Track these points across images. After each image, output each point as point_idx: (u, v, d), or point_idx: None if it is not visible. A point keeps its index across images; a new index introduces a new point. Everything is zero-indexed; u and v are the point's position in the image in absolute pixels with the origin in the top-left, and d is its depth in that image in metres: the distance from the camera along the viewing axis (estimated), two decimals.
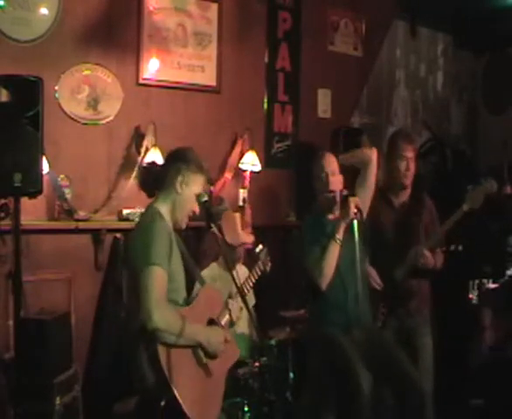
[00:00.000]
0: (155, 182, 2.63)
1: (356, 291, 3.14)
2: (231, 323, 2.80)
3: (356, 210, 3.12)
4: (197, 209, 2.61)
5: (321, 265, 3.16)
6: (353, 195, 3.21)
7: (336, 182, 3.28)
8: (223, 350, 2.55)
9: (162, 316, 2.30)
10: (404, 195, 3.55)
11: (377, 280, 3.42)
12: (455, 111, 6.34)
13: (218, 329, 2.61)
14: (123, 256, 3.89)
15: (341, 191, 3.26)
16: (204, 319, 2.61)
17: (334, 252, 3.16)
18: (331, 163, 3.32)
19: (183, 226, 2.64)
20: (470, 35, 5.94)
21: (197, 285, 2.87)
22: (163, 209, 2.55)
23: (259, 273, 3.35)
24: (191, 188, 2.57)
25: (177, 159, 2.60)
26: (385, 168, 3.71)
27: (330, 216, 3.34)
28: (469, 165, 5.89)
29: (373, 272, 3.44)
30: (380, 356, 3.11)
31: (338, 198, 3.26)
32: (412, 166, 3.49)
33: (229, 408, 3.07)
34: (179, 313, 2.43)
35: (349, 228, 3.15)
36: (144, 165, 3.16)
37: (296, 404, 3.61)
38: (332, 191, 3.25)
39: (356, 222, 3.12)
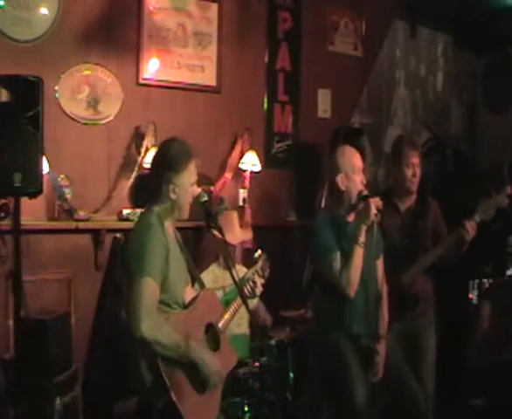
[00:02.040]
0: (146, 194, 2.59)
1: (367, 295, 3.09)
2: (254, 295, 2.90)
3: (376, 212, 3.00)
4: (196, 191, 2.59)
5: (348, 274, 3.00)
6: (372, 195, 3.09)
7: (363, 179, 3.14)
8: (215, 384, 2.48)
9: (149, 327, 2.27)
10: (410, 200, 3.55)
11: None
12: (455, 111, 6.33)
13: (217, 360, 2.52)
14: (122, 257, 3.89)
15: (360, 191, 3.11)
16: (203, 323, 2.59)
17: (359, 258, 3.02)
18: (359, 158, 3.19)
19: (187, 216, 2.62)
20: (470, 35, 5.94)
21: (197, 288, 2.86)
22: (162, 211, 2.53)
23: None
24: (185, 184, 2.53)
25: (164, 166, 2.53)
26: (391, 173, 3.70)
27: (349, 217, 3.18)
28: (469, 165, 5.89)
29: None
30: (385, 371, 3.06)
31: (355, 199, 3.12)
32: (418, 171, 3.49)
33: (229, 408, 3.07)
34: (174, 327, 2.40)
35: (369, 230, 3.04)
36: (133, 179, 3.02)
37: (296, 404, 3.61)
38: (360, 192, 3.09)
39: (375, 224, 3.02)
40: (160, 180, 2.52)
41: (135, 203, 2.72)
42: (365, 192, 3.10)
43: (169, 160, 2.54)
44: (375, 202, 3.04)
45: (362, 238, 3.03)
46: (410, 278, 3.41)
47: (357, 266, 3.02)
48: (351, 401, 2.90)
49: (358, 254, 3.02)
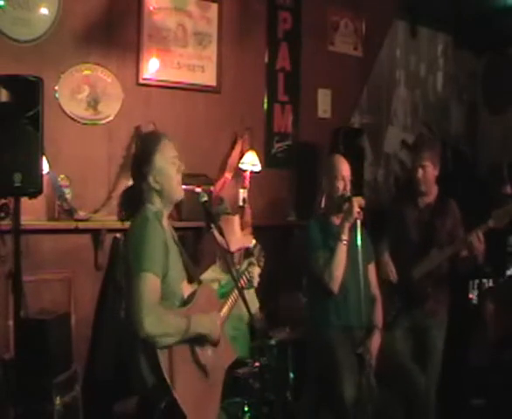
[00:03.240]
0: (135, 202, 2.54)
1: (357, 292, 3.14)
2: (252, 285, 2.93)
3: (359, 210, 3.13)
4: (179, 168, 2.55)
5: (331, 269, 3.19)
6: (356, 195, 3.24)
7: (347, 185, 3.32)
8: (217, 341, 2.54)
9: (153, 323, 2.25)
10: (429, 197, 3.61)
11: (393, 271, 3.46)
12: (455, 111, 6.33)
13: (213, 315, 2.56)
14: (122, 255, 3.89)
15: (342, 194, 3.29)
16: None
17: (341, 253, 3.19)
18: (344, 166, 3.36)
19: (181, 196, 2.59)
20: (470, 35, 5.94)
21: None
22: (156, 206, 2.51)
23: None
24: (162, 166, 2.49)
25: (137, 164, 2.53)
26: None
27: (335, 219, 3.36)
28: (469, 165, 5.89)
29: (390, 264, 3.47)
30: (384, 361, 3.09)
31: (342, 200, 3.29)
32: (429, 172, 3.55)
33: (229, 407, 3.06)
34: (176, 312, 2.41)
35: (352, 228, 3.17)
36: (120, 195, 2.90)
37: (296, 404, 3.61)
38: (343, 194, 3.28)
39: (358, 222, 3.11)
40: (140, 178, 2.51)
41: (125, 215, 2.64)
42: (348, 194, 3.27)
43: (139, 155, 2.55)
44: (357, 201, 3.18)
45: (344, 236, 3.20)
46: (419, 273, 3.45)
47: (340, 262, 3.19)
48: (340, 396, 2.96)
49: (341, 251, 3.19)
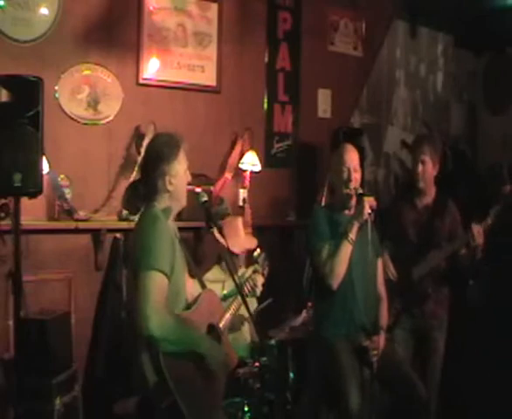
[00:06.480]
0: (144, 196, 2.56)
1: (364, 294, 3.11)
2: (254, 294, 2.90)
3: (370, 211, 3.04)
4: (189, 178, 2.60)
5: (333, 264, 3.09)
6: (368, 194, 3.16)
7: (357, 178, 3.18)
8: (220, 371, 2.51)
9: (158, 324, 2.24)
10: (427, 198, 3.58)
11: (392, 270, 3.45)
12: (455, 111, 6.34)
13: (221, 347, 2.55)
14: (124, 255, 3.89)
15: (355, 189, 3.16)
16: (205, 323, 2.59)
17: (346, 252, 3.09)
18: (354, 158, 3.23)
19: (184, 205, 2.62)
20: (470, 35, 5.94)
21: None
22: (162, 206, 2.51)
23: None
24: (179, 172, 2.52)
25: (155, 160, 2.51)
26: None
27: (346, 212, 3.25)
28: (469, 165, 5.89)
29: (389, 263, 3.47)
30: (385, 365, 3.07)
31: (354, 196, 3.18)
32: (428, 168, 3.52)
33: (229, 408, 3.06)
34: (181, 320, 2.40)
35: (362, 228, 3.09)
36: (127, 187, 2.84)
37: (296, 404, 3.61)
38: (354, 188, 3.15)
39: (369, 222, 3.05)
40: (155, 175, 2.50)
41: (130, 210, 2.65)
42: (360, 190, 3.17)
43: (159, 153, 2.52)
44: (369, 202, 3.08)
45: (352, 235, 3.10)
46: (419, 273, 3.45)
47: (343, 259, 3.09)
48: (346, 406, 2.91)
49: (346, 249, 3.10)
